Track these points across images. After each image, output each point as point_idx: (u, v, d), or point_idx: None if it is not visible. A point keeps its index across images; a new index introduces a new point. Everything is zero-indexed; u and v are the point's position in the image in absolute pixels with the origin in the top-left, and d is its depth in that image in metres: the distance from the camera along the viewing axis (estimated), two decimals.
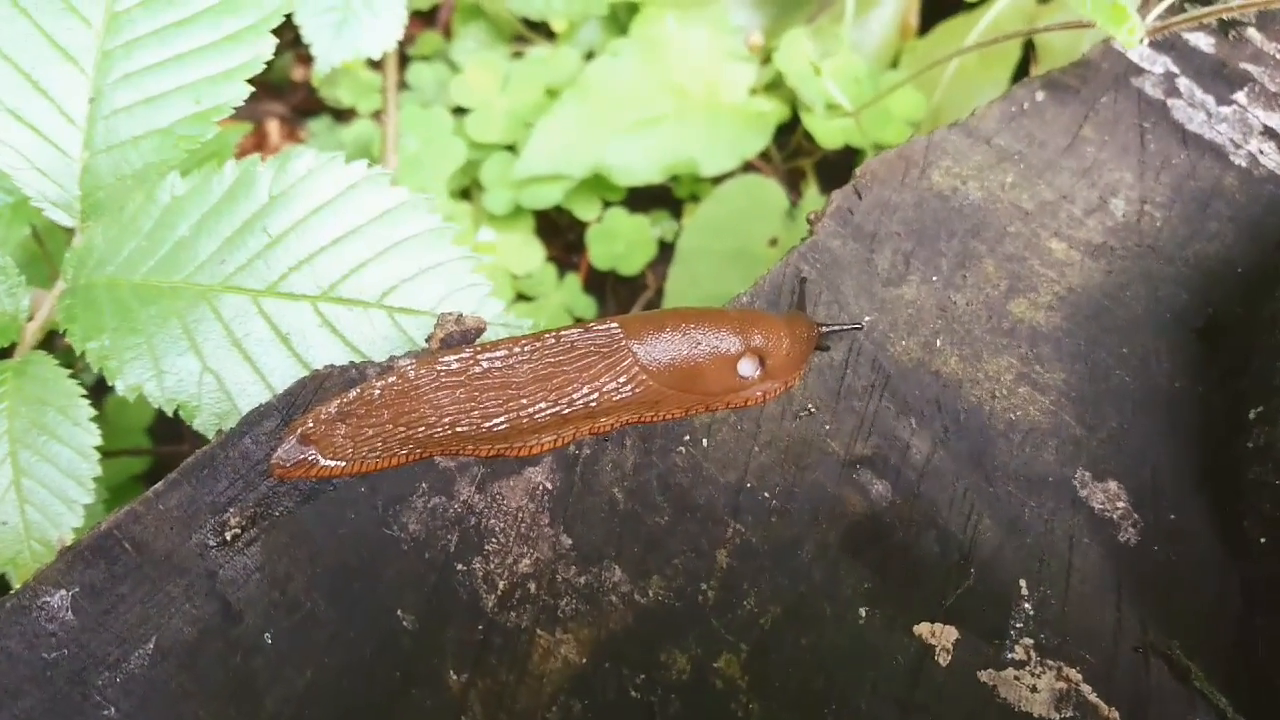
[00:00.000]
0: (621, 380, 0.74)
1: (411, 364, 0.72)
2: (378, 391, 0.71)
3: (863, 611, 0.70)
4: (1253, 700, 0.70)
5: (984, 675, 0.69)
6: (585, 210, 1.69)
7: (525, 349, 0.73)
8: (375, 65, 2.00)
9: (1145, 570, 0.74)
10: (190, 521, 0.66)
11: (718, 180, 1.65)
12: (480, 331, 0.78)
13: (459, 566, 0.68)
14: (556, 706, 0.64)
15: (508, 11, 1.75)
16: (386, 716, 0.63)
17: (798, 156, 1.75)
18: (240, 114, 2.17)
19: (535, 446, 0.73)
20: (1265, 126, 1.01)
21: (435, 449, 0.72)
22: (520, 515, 0.70)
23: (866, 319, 0.82)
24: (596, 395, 0.73)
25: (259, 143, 2.02)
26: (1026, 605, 0.72)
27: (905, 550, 0.73)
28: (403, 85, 1.88)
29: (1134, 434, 0.80)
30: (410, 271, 0.91)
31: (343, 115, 1.93)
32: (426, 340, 0.78)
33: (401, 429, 0.70)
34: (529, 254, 1.70)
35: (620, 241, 1.68)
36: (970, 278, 0.87)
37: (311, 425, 0.69)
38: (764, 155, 1.79)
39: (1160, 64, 1.06)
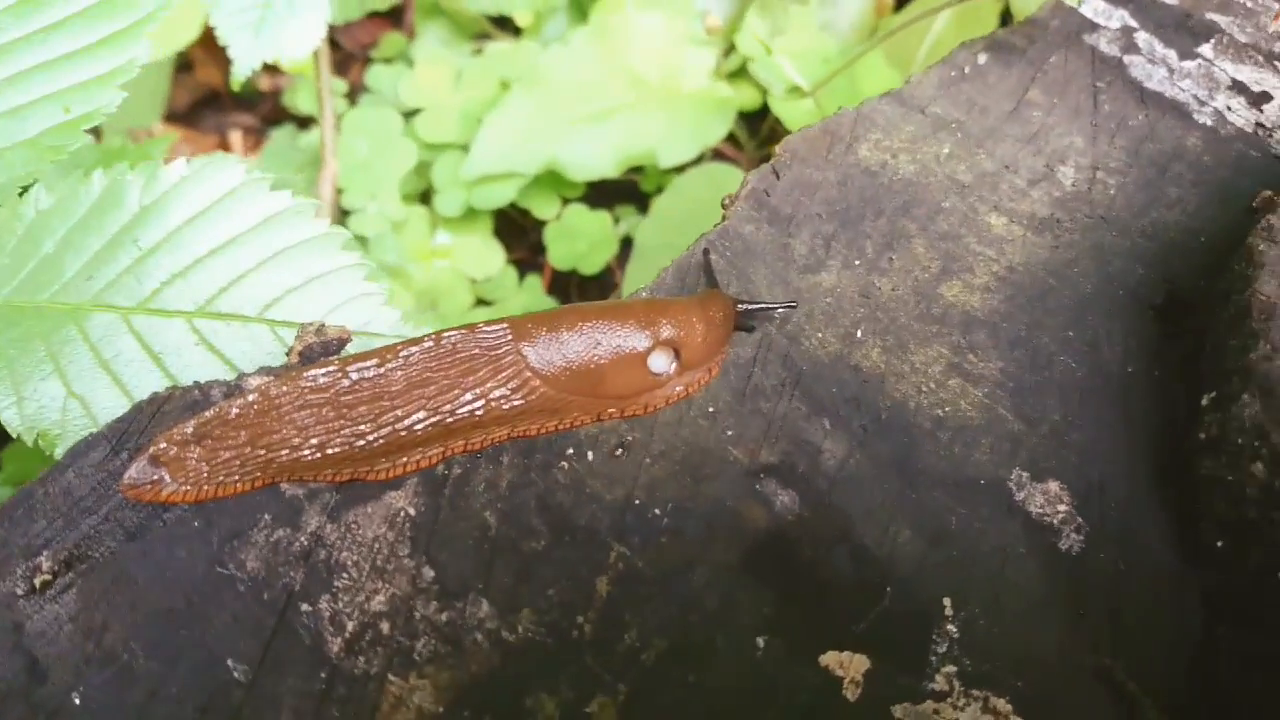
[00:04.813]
0: (512, 386, 0.67)
1: (272, 381, 0.66)
2: (235, 411, 0.64)
3: (761, 642, 0.62)
4: None
5: (898, 710, 0.61)
6: (543, 208, 1.62)
7: (400, 356, 0.66)
8: (339, 71, 1.94)
9: (1090, 582, 0.66)
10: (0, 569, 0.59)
11: (682, 170, 1.58)
12: (345, 342, 0.71)
13: (304, 607, 0.61)
14: None
15: (466, 8, 1.68)
16: None
17: (771, 142, 1.67)
18: (205, 126, 2.12)
19: (407, 465, 0.66)
20: (1234, 80, 0.92)
21: (303, 472, 0.65)
22: (377, 546, 0.63)
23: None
24: (482, 404, 0.66)
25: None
26: (950, 628, 0.63)
27: (813, 569, 0.65)
28: (363, 88, 1.82)
29: (1080, 428, 0.72)
30: (295, 281, 0.84)
31: (305, 123, 1.87)
32: (286, 354, 0.72)
33: (261, 451, 0.64)
34: (488, 257, 1.63)
35: (581, 240, 1.60)
36: (898, 260, 0.79)
37: (164, 446, 0.63)
38: (736, 143, 1.71)
39: (1117, 18, 0.97)
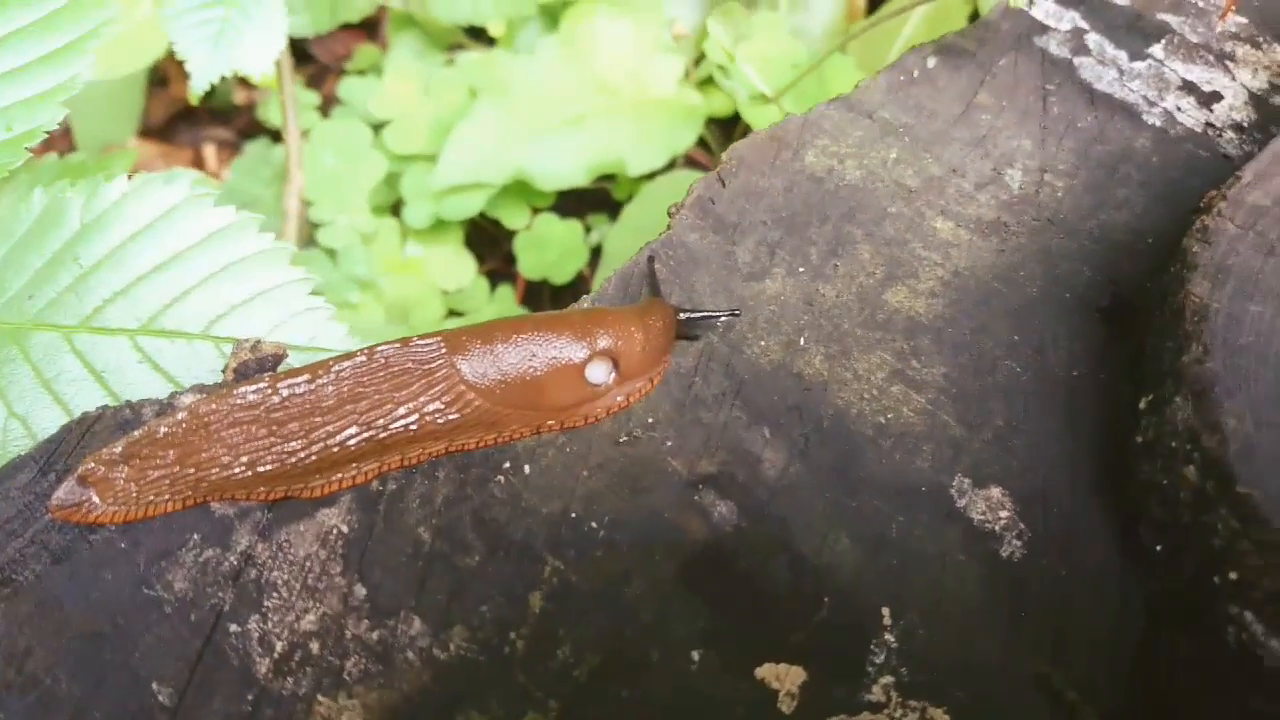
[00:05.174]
0: (446, 400, 0.66)
1: (202, 399, 0.65)
2: (163, 430, 0.63)
3: (696, 655, 0.61)
4: None
5: None
6: (513, 218, 1.62)
7: (332, 372, 0.65)
8: (310, 84, 1.94)
9: (1031, 589, 0.65)
10: None
11: (652, 178, 1.57)
12: (280, 359, 0.71)
13: (232, 628, 0.60)
14: None
15: (439, 19, 1.67)
16: None
17: None
18: (180, 140, 2.11)
19: (342, 481, 0.66)
20: (1184, 81, 0.92)
21: (234, 491, 0.64)
22: (309, 564, 0.63)
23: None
24: (416, 418, 0.66)
25: (196, 168, 1.97)
26: (889, 637, 0.63)
27: (750, 580, 0.64)
28: (335, 100, 1.81)
29: (1023, 433, 0.71)
30: (239, 298, 0.84)
31: (279, 136, 1.87)
32: (221, 372, 0.71)
33: (191, 470, 0.63)
34: (459, 267, 1.63)
35: (552, 249, 1.60)
36: (842, 266, 0.78)
37: (92, 466, 0.62)
38: (708, 149, 1.71)
39: (1068, 20, 0.96)
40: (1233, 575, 0.56)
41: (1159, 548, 0.62)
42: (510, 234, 1.63)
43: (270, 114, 1.81)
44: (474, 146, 1.52)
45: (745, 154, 0.85)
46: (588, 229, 1.64)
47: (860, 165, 0.85)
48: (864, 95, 0.90)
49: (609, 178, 1.61)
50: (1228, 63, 0.94)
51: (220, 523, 0.63)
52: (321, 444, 0.64)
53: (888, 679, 0.61)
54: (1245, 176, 0.66)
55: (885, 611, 0.64)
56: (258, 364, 0.69)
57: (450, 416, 0.66)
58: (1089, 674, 0.62)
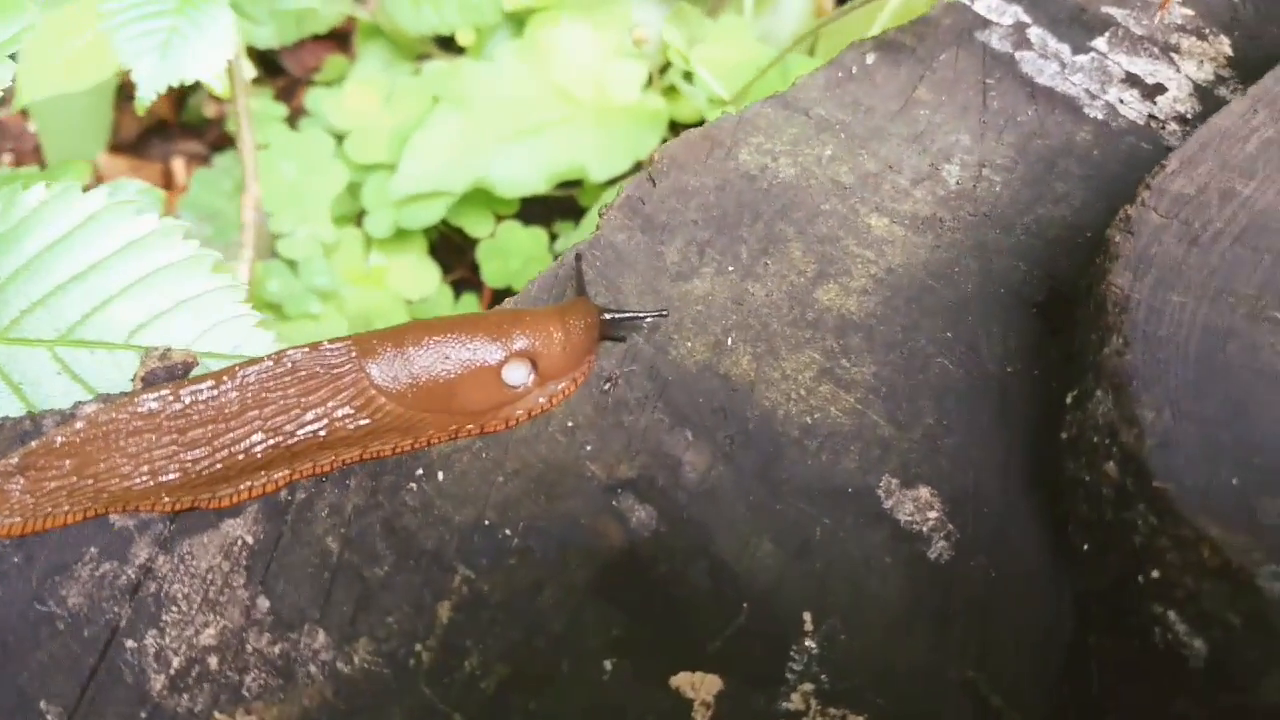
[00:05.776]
0: (356, 405, 0.64)
1: (101, 408, 0.63)
2: (60, 440, 0.62)
3: (609, 664, 0.59)
4: None
5: None
6: (476, 226, 1.60)
7: (238, 376, 0.64)
8: (280, 96, 1.93)
9: (959, 591, 0.63)
10: None
11: (616, 184, 1.56)
12: (190, 367, 0.69)
13: (128, 644, 0.58)
14: None
15: (406, 30, 1.66)
16: None
17: None
18: (152, 155, 2.10)
19: (252, 490, 0.64)
20: (1127, 73, 0.90)
21: (137, 501, 0.63)
22: (210, 577, 0.61)
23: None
24: (325, 424, 0.64)
25: (166, 182, 1.96)
26: (810, 643, 0.61)
27: (667, 587, 0.62)
28: (302, 112, 1.80)
29: (955, 431, 0.69)
30: (163, 306, 0.82)
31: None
32: (130, 381, 0.69)
33: (89, 481, 0.61)
34: (423, 277, 1.62)
35: (515, 257, 1.59)
36: (773, 265, 0.77)
37: None
38: None
39: (1010, 14, 0.95)
40: (1155, 573, 0.55)
41: (1086, 547, 0.61)
42: (474, 243, 1.62)
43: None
44: (433, 154, 1.51)
45: (677, 153, 0.83)
46: (554, 236, 1.62)
47: (795, 163, 0.83)
48: (800, 93, 0.88)
49: (575, 184, 1.60)
50: (1172, 55, 0.93)
51: (119, 535, 0.62)
52: (226, 451, 0.63)
53: (808, 686, 0.59)
54: (1170, 165, 0.65)
55: (807, 617, 0.62)
56: (166, 372, 0.68)
57: (361, 422, 0.65)
58: (1016, 678, 0.60)
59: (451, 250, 1.69)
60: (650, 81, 1.60)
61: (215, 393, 0.63)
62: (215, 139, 1.99)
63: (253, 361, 0.64)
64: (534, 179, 1.49)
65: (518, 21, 1.75)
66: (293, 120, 1.80)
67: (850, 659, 0.60)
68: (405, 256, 1.62)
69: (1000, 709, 0.59)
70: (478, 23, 1.68)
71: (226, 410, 0.63)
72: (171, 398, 0.62)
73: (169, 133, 2.03)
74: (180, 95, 2.00)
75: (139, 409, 0.62)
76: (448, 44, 1.79)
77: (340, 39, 1.98)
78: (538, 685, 0.59)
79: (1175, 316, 0.58)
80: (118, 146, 2.00)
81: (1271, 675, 0.50)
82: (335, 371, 0.64)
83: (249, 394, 0.63)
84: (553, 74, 1.54)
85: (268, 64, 1.99)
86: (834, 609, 0.62)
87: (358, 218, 1.66)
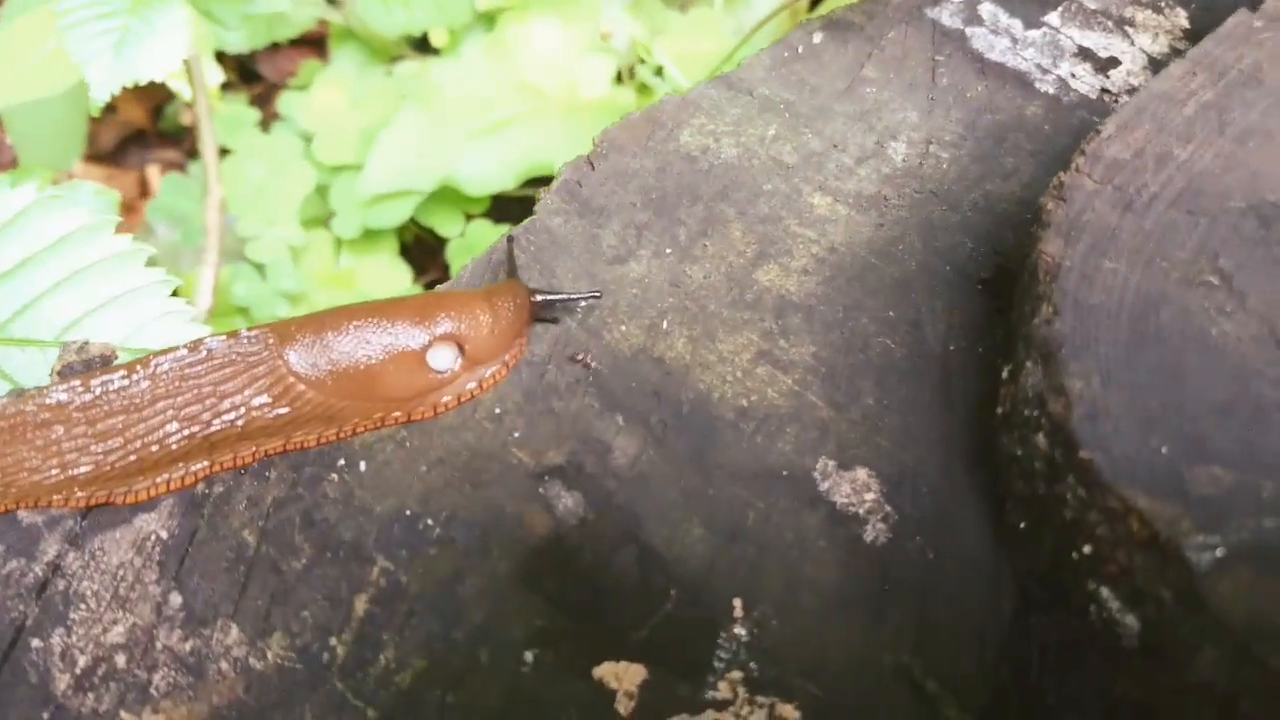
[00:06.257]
0: (274, 394, 0.63)
1: (7, 400, 0.62)
2: None
3: (530, 656, 0.58)
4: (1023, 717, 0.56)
5: None
6: (446, 226, 1.59)
7: (151, 365, 0.62)
8: (256, 102, 1.91)
9: (895, 575, 0.61)
10: None
11: None
12: (110, 359, 0.68)
13: (34, 643, 0.57)
14: None
15: (377, 31, 1.65)
16: None
17: None
18: (129, 164, 2.09)
19: (170, 483, 0.62)
20: (1080, 47, 0.89)
21: (48, 496, 0.61)
22: (121, 573, 0.59)
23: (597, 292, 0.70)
24: (243, 413, 0.62)
25: (141, 190, 1.95)
26: (739, 630, 0.59)
27: (593, 576, 0.60)
28: (275, 116, 1.79)
29: (895, 411, 0.67)
30: (95, 302, 0.80)
31: (223, 153, 1.84)
32: (49, 375, 0.68)
33: None
34: (393, 278, 1.60)
35: None
36: (712, 247, 0.75)
37: None
38: None
39: None
40: (1087, 549, 0.53)
41: (1022, 525, 0.59)
42: (446, 242, 1.60)
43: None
44: (399, 153, 1.49)
45: (617, 136, 0.82)
46: None
47: (737, 143, 0.81)
48: (745, 73, 0.87)
49: (545, 181, 1.58)
50: (1127, 28, 0.91)
51: (27, 532, 0.60)
52: (140, 442, 0.61)
53: (735, 674, 0.57)
54: (1106, 130, 0.63)
55: (737, 603, 0.60)
56: (84, 365, 0.66)
57: (280, 411, 0.63)
58: (954, 663, 0.58)
59: (424, 251, 1.67)
60: (621, 79, 1.58)
61: (127, 383, 0.61)
62: (191, 147, 1.98)
63: (167, 350, 0.63)
64: (502, 176, 1.47)
65: (490, 21, 1.74)
66: (266, 125, 1.79)
67: (781, 646, 0.58)
68: (376, 258, 1.61)
69: (936, 694, 0.57)
70: (449, 23, 1.67)
71: (139, 400, 0.61)
72: (81, 388, 0.61)
73: (146, 141, 2.02)
74: (157, 104, 1.99)
75: (47, 400, 0.60)
76: (423, 47, 1.77)
77: (317, 44, 1.97)
78: (455, 678, 0.57)
79: (1107, 283, 0.56)
80: (95, 156, 1.99)
81: (1204, 651, 0.47)
82: (252, 359, 0.63)
83: (161, 383, 0.61)
84: (520, 70, 1.53)
85: (244, 70, 1.98)
86: (766, 595, 0.60)
87: (328, 220, 1.65)
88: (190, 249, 1.63)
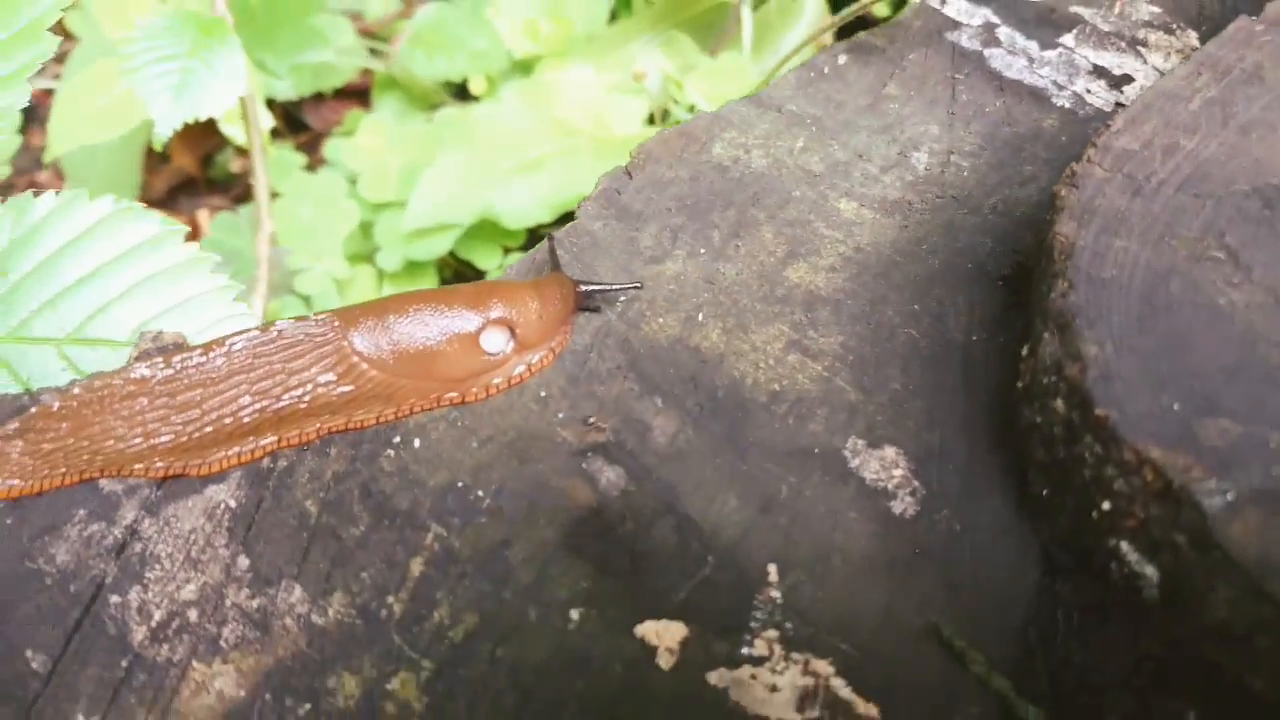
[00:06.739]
0: (339, 372, 0.67)
1: (95, 375, 0.66)
2: (58, 405, 0.65)
3: (575, 614, 0.61)
4: (1051, 681, 0.58)
5: (713, 677, 0.59)
6: (484, 258, 1.64)
7: (226, 345, 0.67)
8: (302, 149, 2.00)
9: (924, 543, 0.64)
10: None
11: None
12: (182, 346, 0.72)
13: (112, 599, 0.60)
14: None
15: (418, 78, 1.73)
16: None
17: None
18: (180, 210, 2.17)
19: (240, 456, 0.67)
20: (1094, 66, 0.93)
21: (130, 464, 0.65)
22: (193, 537, 0.63)
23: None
24: (309, 389, 0.67)
25: (192, 234, 2.02)
26: (774, 593, 0.62)
27: (634, 541, 0.64)
28: (321, 162, 1.87)
29: (921, 395, 0.71)
30: (164, 306, 0.86)
31: (273, 196, 1.92)
32: (127, 364, 0.72)
33: (85, 443, 0.64)
34: None
35: None
36: (744, 247, 0.79)
37: None
38: None
39: (980, 16, 0.98)
40: (1106, 505, 0.55)
41: (1045, 492, 0.61)
42: (484, 274, 1.66)
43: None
44: (441, 188, 1.56)
45: (653, 149, 0.87)
46: None
47: (767, 154, 0.86)
48: (774, 91, 0.92)
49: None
50: (1140, 49, 0.95)
51: (108, 499, 0.64)
52: (215, 414, 0.65)
53: (771, 633, 0.60)
54: (1116, 124, 0.67)
55: (772, 569, 0.63)
56: (159, 352, 0.71)
57: (343, 389, 0.67)
58: (981, 626, 0.61)
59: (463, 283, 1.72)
60: (653, 120, 1.65)
61: (204, 359, 0.66)
62: (240, 193, 2.06)
63: (240, 332, 0.68)
64: (538, 210, 1.53)
65: (526, 69, 1.82)
66: (312, 170, 1.86)
67: (814, 607, 0.61)
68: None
69: (965, 650, 0.59)
70: (487, 70, 1.75)
71: (215, 375, 0.65)
72: (163, 364, 0.65)
73: (196, 188, 2.11)
74: (207, 153, 2.08)
75: (133, 375, 0.65)
76: (462, 95, 1.85)
77: (360, 95, 2.05)
78: (505, 633, 0.60)
79: (1118, 260, 0.60)
80: (148, 201, 2.08)
81: (1217, 590, 0.50)
82: (319, 339, 0.67)
83: (236, 360, 0.66)
84: (556, 110, 1.60)
85: (291, 120, 2.07)
86: (799, 561, 0.63)
87: (371, 256, 1.71)
88: (240, 281, 1.69)
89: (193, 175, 2.13)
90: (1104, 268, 0.59)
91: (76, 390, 0.65)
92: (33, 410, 0.64)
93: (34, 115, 1.98)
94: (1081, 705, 0.57)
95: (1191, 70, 0.69)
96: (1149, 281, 0.58)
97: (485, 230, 1.61)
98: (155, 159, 2.07)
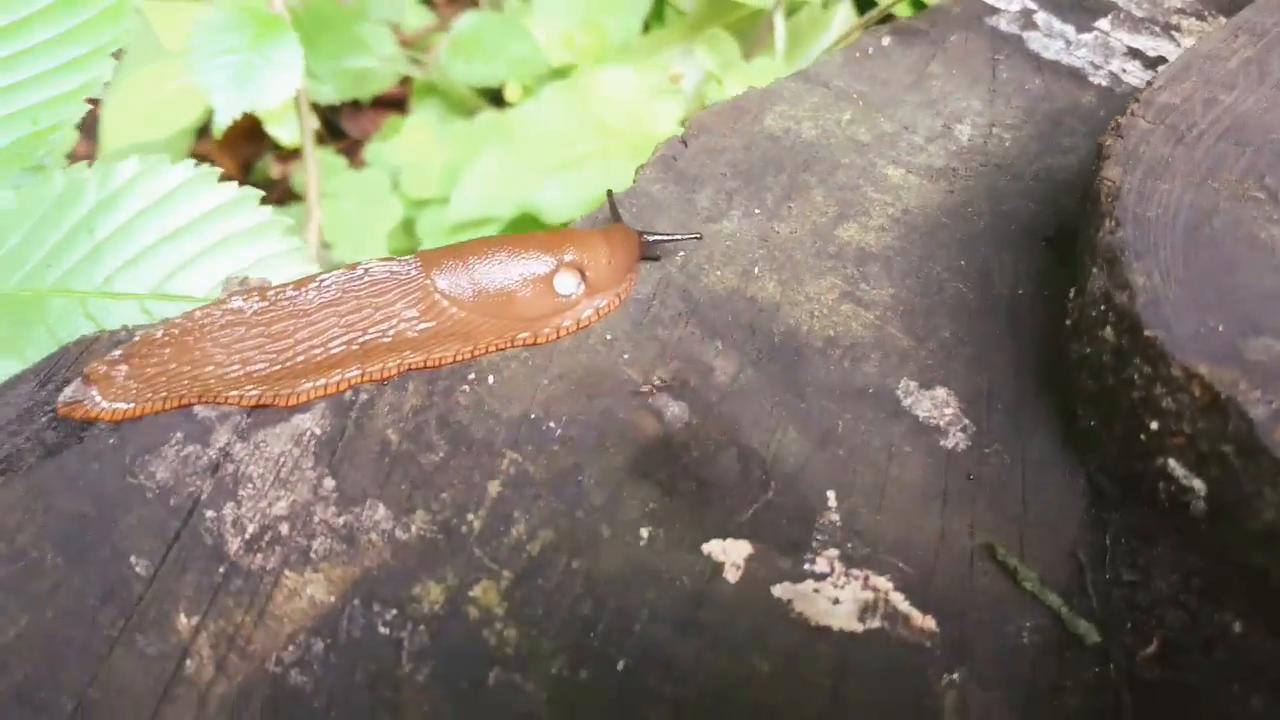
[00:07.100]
0: (421, 309, 0.71)
1: (194, 308, 0.71)
2: (160, 333, 0.69)
3: (645, 532, 0.64)
4: (1100, 599, 0.61)
5: (778, 589, 0.62)
6: None
7: (317, 281, 0.71)
8: (344, 151, 2.05)
9: (977, 474, 0.67)
10: None
11: None
12: (268, 288, 0.76)
13: (209, 513, 0.64)
14: (294, 645, 0.59)
15: (458, 84, 1.78)
16: (104, 662, 0.58)
17: None
18: None
19: (327, 388, 0.70)
20: (1129, 48, 0.97)
21: (225, 390, 0.69)
22: (283, 460, 0.67)
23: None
24: (394, 324, 0.71)
25: None
26: (834, 517, 0.65)
27: (699, 469, 0.67)
28: (361, 165, 1.92)
29: (969, 342, 0.74)
30: (240, 265, 0.90)
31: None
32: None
33: (187, 368, 0.68)
34: None
35: None
36: (796, 208, 0.83)
37: (95, 365, 0.68)
38: None
39: (1017, 2, 1.02)
40: (1154, 425, 0.58)
41: (1093, 423, 0.64)
42: None
43: (300, 179, 1.92)
44: (482, 184, 1.60)
45: (707, 120, 0.91)
46: None
47: (816, 125, 0.90)
48: (821, 69, 0.96)
49: None
50: (1173, 33, 0.99)
51: (202, 424, 0.68)
52: (307, 344, 0.69)
53: (832, 552, 0.63)
54: (1157, 81, 0.70)
55: (830, 495, 0.66)
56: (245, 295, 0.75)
57: (425, 325, 0.71)
58: (1031, 548, 0.64)
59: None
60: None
61: (297, 294, 0.70)
62: (279, 196, 2.11)
63: (329, 271, 0.72)
64: (576, 205, 1.57)
65: (562, 76, 1.87)
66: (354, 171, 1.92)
67: (872, 530, 0.64)
68: None
69: (1016, 568, 0.62)
70: (524, 76, 1.80)
71: (308, 308, 0.69)
72: (259, 298, 0.70)
73: None
74: (248, 159, 2.14)
75: (230, 306, 0.69)
76: (498, 102, 1.90)
77: (398, 104, 2.11)
78: (579, 548, 0.63)
79: (1163, 201, 0.63)
80: None
81: (1264, 495, 0.53)
82: (403, 279, 0.71)
83: (327, 294, 0.70)
84: (595, 111, 1.65)
85: (331, 127, 2.12)
86: (856, 489, 0.66)
87: (413, 249, 1.75)
88: None
89: (234, 179, 2.18)
90: (1149, 207, 0.63)
91: (177, 320, 0.69)
92: (136, 337, 0.68)
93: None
94: (1131, 622, 0.60)
95: (1229, 33, 0.73)
96: (1192, 219, 0.62)
97: (525, 224, 1.65)
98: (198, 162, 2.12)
